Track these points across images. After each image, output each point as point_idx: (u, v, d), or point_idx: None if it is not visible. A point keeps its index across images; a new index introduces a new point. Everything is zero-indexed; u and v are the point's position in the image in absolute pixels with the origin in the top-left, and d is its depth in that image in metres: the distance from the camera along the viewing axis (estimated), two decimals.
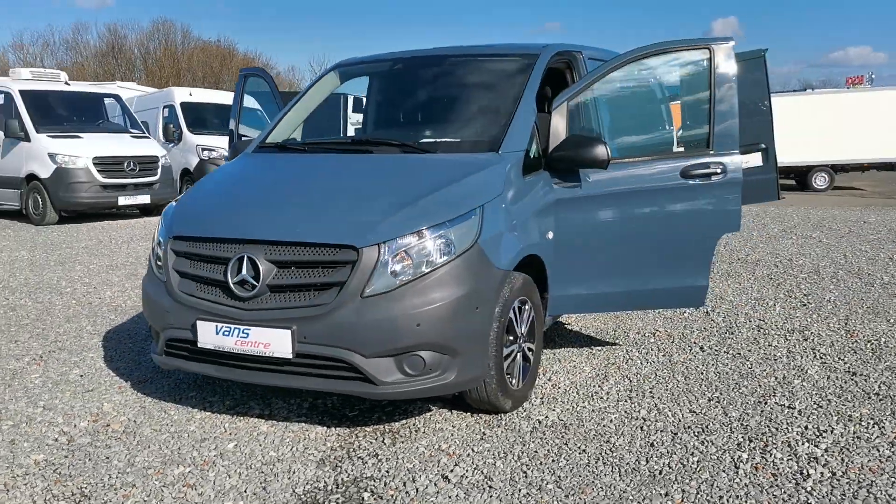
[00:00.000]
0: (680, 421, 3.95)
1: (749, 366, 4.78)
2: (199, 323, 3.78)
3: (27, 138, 12.57)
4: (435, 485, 3.32)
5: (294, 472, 3.46)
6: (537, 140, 4.48)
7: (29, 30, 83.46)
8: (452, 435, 3.83)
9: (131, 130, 13.82)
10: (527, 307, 4.19)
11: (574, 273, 4.56)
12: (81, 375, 4.80)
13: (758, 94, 7.58)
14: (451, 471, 3.45)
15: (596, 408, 4.15)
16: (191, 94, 15.97)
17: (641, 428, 3.88)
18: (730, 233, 4.76)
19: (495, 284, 3.78)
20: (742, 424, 3.88)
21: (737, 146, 4.60)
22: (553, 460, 3.54)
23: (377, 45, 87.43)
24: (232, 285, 3.70)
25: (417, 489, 3.28)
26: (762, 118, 7.58)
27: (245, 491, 3.29)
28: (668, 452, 3.58)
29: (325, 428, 3.95)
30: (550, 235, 4.40)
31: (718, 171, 4.56)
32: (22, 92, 12.85)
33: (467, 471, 3.45)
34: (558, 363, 4.91)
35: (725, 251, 8.94)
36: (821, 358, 4.90)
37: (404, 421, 4.02)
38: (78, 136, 12.75)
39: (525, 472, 3.42)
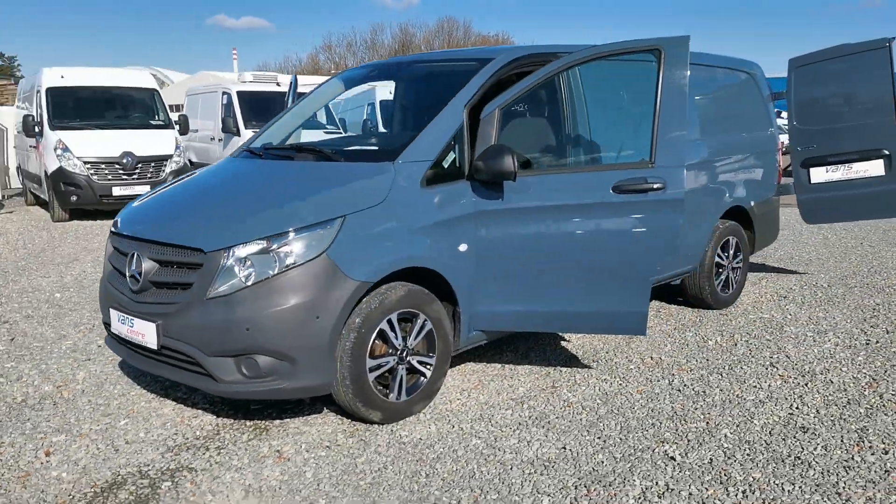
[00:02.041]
0: (535, 457, 3.67)
1: (698, 408, 4.24)
2: (111, 310, 4.26)
3: (238, 133, 14.26)
4: (230, 484, 3.47)
5: (137, 454, 3.80)
6: (462, 149, 4.34)
7: (336, 32, 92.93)
8: (307, 438, 3.93)
9: (327, 127, 15.03)
10: (419, 320, 4.12)
11: (497, 289, 4.38)
12: (99, 346, 5.54)
13: (880, 90, 6.54)
14: (260, 473, 3.57)
15: (472, 431, 3.99)
16: (390, 93, 16.91)
17: (487, 458, 3.68)
18: (669, 256, 4.25)
19: (346, 295, 3.78)
20: (593, 469, 3.52)
21: (683, 160, 4.10)
22: (360, 478, 3.52)
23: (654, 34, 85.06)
24: (127, 278, 4.12)
25: (212, 488, 3.46)
26: (884, 119, 6.52)
27: (80, 465, 3.69)
28: (475, 488, 3.38)
29: (214, 416, 4.24)
30: (463, 248, 4.27)
31: (656, 186, 4.10)
32: (238, 93, 14.61)
33: (274, 474, 3.56)
34: (501, 380, 4.72)
35: (858, 273, 7.68)
36: (796, 408, 4.19)
37: (287, 419, 4.18)
38: None
39: (318, 485, 3.45)
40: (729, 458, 3.61)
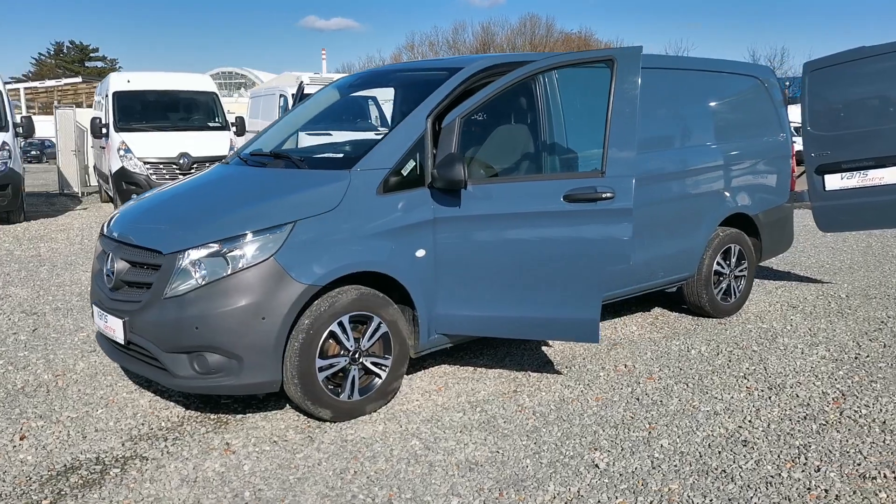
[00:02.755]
0: (464, 459, 3.77)
1: (647, 417, 4.23)
2: (93, 306, 4.57)
3: None
4: (170, 473, 3.70)
5: (101, 441, 4.08)
6: (424, 157, 4.45)
7: (419, 32, 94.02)
8: (260, 433, 4.14)
9: (379, 129, 15.31)
10: (373, 323, 4.26)
11: (454, 293, 4.48)
12: None
13: None
14: (202, 464, 3.79)
15: (416, 432, 4.10)
16: None
17: (419, 459, 3.79)
18: (618, 266, 4.25)
19: (292, 298, 3.95)
20: (514, 473, 3.59)
21: (633, 170, 4.11)
22: (292, 473, 3.69)
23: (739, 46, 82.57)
24: (104, 277, 4.42)
25: (154, 476, 3.69)
26: None
27: (47, 449, 3.99)
28: (394, 486, 3.51)
29: (183, 409, 4.49)
30: (421, 253, 4.39)
31: (605, 196, 4.13)
32: (293, 95, 15.00)
33: (214, 466, 3.76)
34: (466, 383, 4.82)
35: (884, 284, 7.39)
36: (747, 422, 4.14)
37: (250, 413, 4.39)
38: (328, 134, 14.52)
39: (250, 478, 3.64)
40: (654, 468, 3.62)
